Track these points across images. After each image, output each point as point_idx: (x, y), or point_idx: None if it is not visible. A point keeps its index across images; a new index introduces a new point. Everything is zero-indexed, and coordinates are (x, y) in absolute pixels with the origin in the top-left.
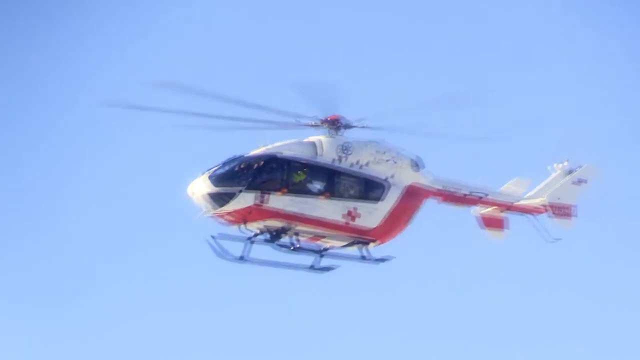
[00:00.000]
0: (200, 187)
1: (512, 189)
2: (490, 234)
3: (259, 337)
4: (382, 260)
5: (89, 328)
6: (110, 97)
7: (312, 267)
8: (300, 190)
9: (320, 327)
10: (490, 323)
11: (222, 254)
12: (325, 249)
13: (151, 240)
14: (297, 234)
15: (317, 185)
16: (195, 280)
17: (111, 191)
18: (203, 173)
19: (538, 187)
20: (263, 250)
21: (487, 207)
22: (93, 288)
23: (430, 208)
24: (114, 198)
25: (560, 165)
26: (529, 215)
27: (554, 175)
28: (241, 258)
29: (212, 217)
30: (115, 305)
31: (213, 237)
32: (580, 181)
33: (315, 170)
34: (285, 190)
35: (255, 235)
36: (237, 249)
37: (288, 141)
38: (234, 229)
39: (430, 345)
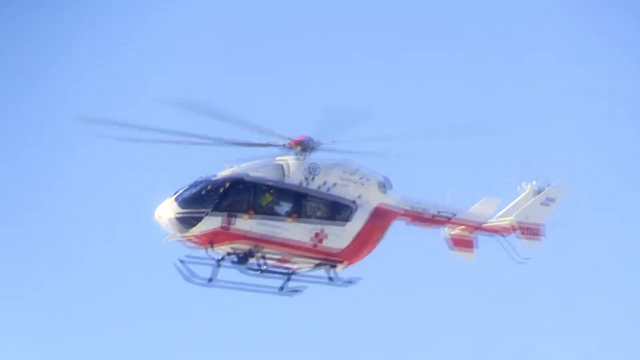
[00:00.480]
0: (167, 210)
1: (481, 209)
2: (460, 255)
3: None
4: (350, 282)
5: (58, 353)
6: (77, 113)
7: (280, 290)
8: (267, 212)
9: (289, 350)
10: (459, 344)
11: (190, 277)
12: (293, 271)
13: (118, 265)
14: (264, 256)
15: (284, 208)
16: (164, 304)
17: (76, 215)
18: (170, 196)
19: (507, 207)
20: (232, 273)
21: (456, 228)
22: (61, 312)
23: (399, 229)
24: (79, 222)
25: (529, 185)
26: (498, 236)
27: (522, 194)
28: (209, 281)
29: (179, 240)
30: (83, 331)
31: (181, 260)
32: (548, 200)
33: (282, 192)
34: (252, 212)
35: (223, 257)
36: (205, 271)
37: (255, 162)
38: (201, 252)
39: None
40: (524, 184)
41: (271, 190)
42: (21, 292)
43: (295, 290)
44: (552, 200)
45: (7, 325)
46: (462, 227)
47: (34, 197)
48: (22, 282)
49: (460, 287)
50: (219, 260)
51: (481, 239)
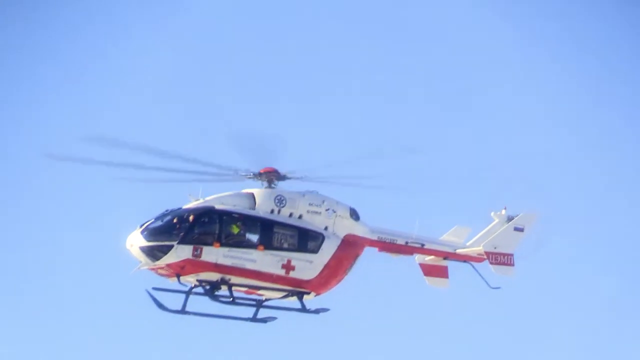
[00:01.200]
0: (135, 241)
1: (451, 238)
2: (433, 282)
3: None
4: (317, 311)
5: None
6: (45, 149)
7: (253, 318)
8: (235, 242)
9: None
10: None
11: (163, 305)
12: (262, 301)
13: (90, 294)
14: (231, 286)
15: (252, 238)
16: (137, 332)
17: (48, 245)
18: (138, 227)
19: (478, 235)
20: (204, 302)
21: (427, 257)
22: (34, 342)
23: (371, 257)
24: (51, 252)
25: (499, 213)
26: (470, 263)
27: (493, 223)
28: (182, 309)
29: (148, 270)
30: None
31: (154, 288)
32: (517, 229)
33: (250, 222)
34: (219, 243)
35: (194, 287)
36: (175, 300)
37: (224, 193)
38: (172, 281)
39: None
40: (493, 213)
41: (240, 221)
42: None
43: (265, 320)
44: (521, 229)
45: None
46: (433, 256)
47: (15, 230)
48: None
49: (433, 314)
50: (189, 290)
51: (454, 265)
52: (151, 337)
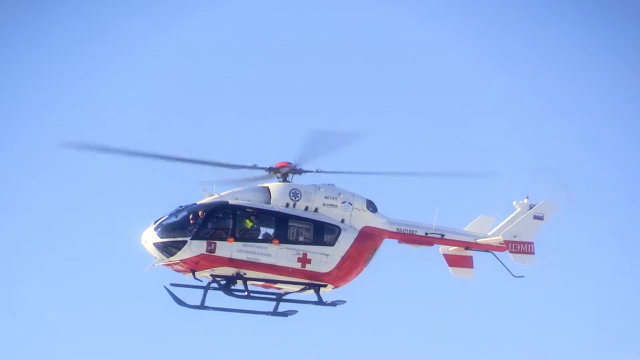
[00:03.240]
0: (149, 237)
1: (475, 227)
2: (458, 273)
3: None
4: (334, 304)
5: None
6: (67, 138)
7: (272, 313)
8: (249, 237)
9: None
10: None
11: (182, 301)
12: (282, 295)
13: (106, 292)
14: (247, 280)
15: (267, 232)
16: (157, 327)
17: (63, 243)
18: (153, 223)
19: (500, 225)
20: (220, 297)
21: (451, 247)
22: (53, 339)
23: (392, 249)
24: (65, 250)
25: (521, 202)
26: (492, 253)
27: (515, 212)
28: (201, 304)
29: (164, 265)
30: (79, 354)
31: (172, 284)
32: (536, 217)
33: (264, 216)
34: (233, 238)
35: (212, 282)
36: (193, 296)
37: (238, 188)
38: (189, 277)
39: None
40: (515, 202)
41: (254, 215)
42: (16, 317)
43: (290, 311)
44: (541, 217)
45: None
46: (455, 246)
47: (34, 225)
48: (17, 310)
49: (456, 305)
50: (207, 285)
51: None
52: (171, 333)
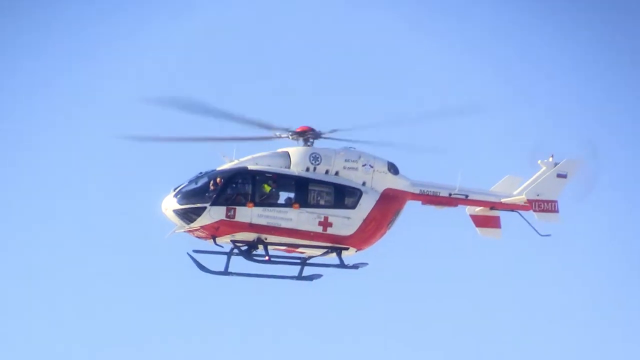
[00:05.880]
0: (169, 204)
1: (502, 187)
2: (486, 233)
3: (248, 346)
4: (356, 266)
5: (75, 347)
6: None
7: (297, 277)
8: (270, 202)
9: (302, 337)
10: (481, 323)
11: (206, 267)
12: (306, 259)
13: (131, 258)
14: (268, 245)
15: (287, 196)
16: (183, 294)
17: (91, 208)
18: (173, 190)
19: (525, 184)
20: (242, 263)
21: (477, 207)
22: (79, 306)
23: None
24: (92, 215)
25: (546, 161)
26: (517, 212)
27: (540, 171)
28: (225, 270)
29: (184, 232)
30: (103, 322)
31: (195, 251)
32: (560, 175)
33: (284, 181)
34: (253, 203)
35: (233, 248)
36: (215, 262)
37: (259, 154)
38: (210, 243)
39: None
40: (540, 161)
41: (274, 179)
42: (42, 285)
43: (315, 275)
44: (564, 175)
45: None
46: (480, 207)
47: (56, 196)
48: (43, 278)
49: (481, 264)
50: (230, 251)
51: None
52: (195, 299)
